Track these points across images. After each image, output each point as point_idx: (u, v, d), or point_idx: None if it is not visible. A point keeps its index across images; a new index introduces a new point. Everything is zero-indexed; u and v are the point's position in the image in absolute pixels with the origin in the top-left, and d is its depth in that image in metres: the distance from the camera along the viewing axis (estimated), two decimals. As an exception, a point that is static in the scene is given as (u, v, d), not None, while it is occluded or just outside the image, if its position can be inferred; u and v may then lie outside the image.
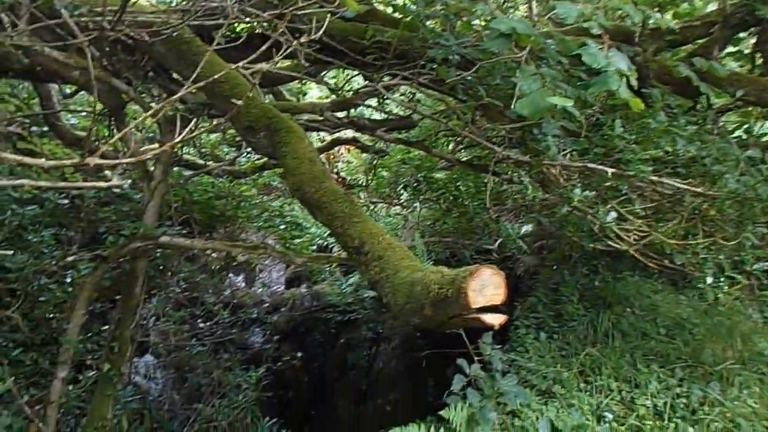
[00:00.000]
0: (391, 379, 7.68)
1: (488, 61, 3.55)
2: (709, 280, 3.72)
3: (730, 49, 4.83)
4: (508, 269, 6.65)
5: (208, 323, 7.20)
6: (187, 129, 2.07)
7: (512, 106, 2.78)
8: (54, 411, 3.89)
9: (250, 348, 7.92)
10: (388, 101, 5.27)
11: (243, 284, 9.17)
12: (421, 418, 3.88)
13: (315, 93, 9.65)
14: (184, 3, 3.77)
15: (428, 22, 4.12)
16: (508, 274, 5.02)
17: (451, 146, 6.49)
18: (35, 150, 4.73)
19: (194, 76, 2.10)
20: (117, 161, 1.85)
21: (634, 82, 2.77)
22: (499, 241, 6.15)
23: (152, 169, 4.21)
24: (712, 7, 4.98)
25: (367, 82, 4.73)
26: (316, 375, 8.22)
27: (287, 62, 5.19)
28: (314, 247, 9.18)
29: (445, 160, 5.83)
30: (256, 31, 4.27)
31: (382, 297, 2.28)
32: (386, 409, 7.30)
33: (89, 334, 5.15)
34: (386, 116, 5.68)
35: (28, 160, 1.52)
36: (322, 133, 7.86)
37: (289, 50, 2.69)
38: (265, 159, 6.30)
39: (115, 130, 4.51)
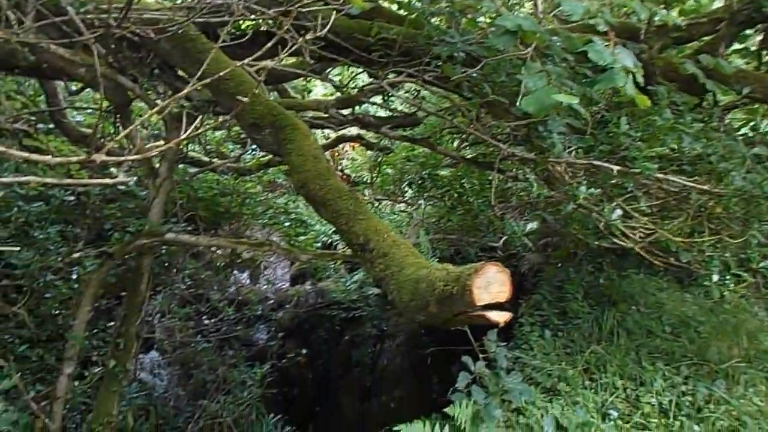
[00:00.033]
0: (395, 376, 7.69)
1: (493, 58, 3.53)
2: (715, 277, 3.71)
3: (737, 46, 4.79)
4: (513, 267, 6.64)
5: (213, 320, 7.23)
6: (192, 126, 2.08)
7: (517, 104, 2.78)
8: (60, 407, 3.91)
9: (254, 345, 7.95)
10: (392, 98, 5.27)
11: (248, 281, 9.20)
12: (426, 416, 3.88)
13: (320, 90, 9.65)
14: (189, 0, 3.78)
15: (433, 19, 4.12)
16: (513, 271, 5.02)
17: (456, 143, 6.48)
18: (41, 147, 4.76)
19: (199, 73, 2.11)
20: (122, 158, 1.86)
21: (640, 79, 2.76)
22: (503, 239, 6.15)
23: (157, 166, 4.21)
24: (718, 3, 4.94)
25: (372, 79, 4.73)
26: (320, 372, 8.23)
27: (292, 59, 5.19)
28: (319, 245, 9.18)
29: (449, 157, 5.83)
30: (261, 28, 4.27)
31: (387, 294, 2.28)
32: (391, 406, 7.31)
33: (95, 331, 5.18)
34: (391, 113, 5.68)
35: (34, 157, 1.53)
36: (326, 131, 7.85)
37: (294, 47, 2.68)
38: (270, 156, 6.31)
39: (120, 128, 4.52)
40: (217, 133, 7.47)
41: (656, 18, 3.74)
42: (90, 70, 3.67)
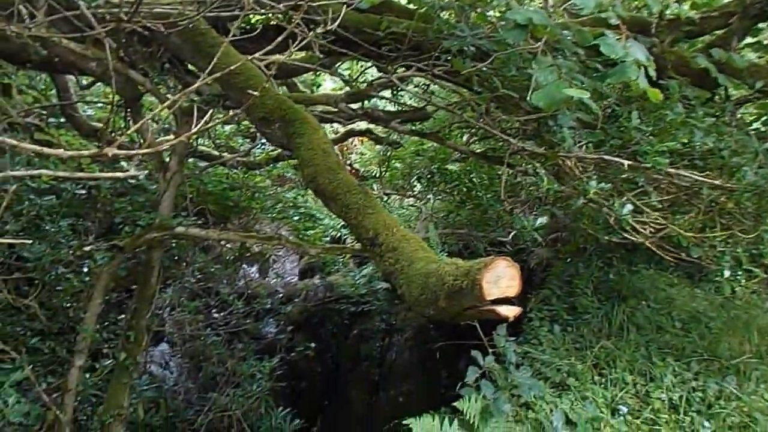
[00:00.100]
0: (404, 371, 7.71)
1: (504, 53, 3.52)
2: (726, 273, 3.69)
3: (749, 40, 4.75)
4: (522, 261, 6.63)
5: (222, 313, 7.26)
6: (202, 120, 2.08)
7: (528, 98, 2.76)
8: (71, 399, 3.94)
9: (264, 338, 7.98)
10: (402, 93, 5.25)
11: (257, 275, 9.22)
12: (435, 410, 3.89)
13: (329, 84, 9.63)
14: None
15: (443, 13, 4.10)
16: (522, 266, 4.99)
17: (465, 138, 6.45)
18: (52, 141, 4.78)
19: (210, 67, 2.11)
20: (133, 152, 1.86)
21: (652, 73, 2.74)
22: (513, 234, 6.12)
23: (168, 160, 4.23)
24: (731, -3, 4.90)
25: (381, 73, 4.72)
26: (329, 366, 8.26)
27: (302, 54, 5.19)
28: (328, 239, 9.18)
29: (459, 151, 5.80)
30: (272, 22, 4.27)
31: (397, 288, 2.27)
32: (399, 400, 7.32)
33: (106, 324, 5.22)
34: (400, 108, 5.66)
35: (46, 150, 1.53)
36: (336, 125, 7.85)
37: (304, 42, 2.68)
38: (280, 150, 6.32)
39: (131, 122, 4.54)
40: (227, 128, 7.49)
41: (668, 11, 3.71)
42: (101, 65, 3.68)
